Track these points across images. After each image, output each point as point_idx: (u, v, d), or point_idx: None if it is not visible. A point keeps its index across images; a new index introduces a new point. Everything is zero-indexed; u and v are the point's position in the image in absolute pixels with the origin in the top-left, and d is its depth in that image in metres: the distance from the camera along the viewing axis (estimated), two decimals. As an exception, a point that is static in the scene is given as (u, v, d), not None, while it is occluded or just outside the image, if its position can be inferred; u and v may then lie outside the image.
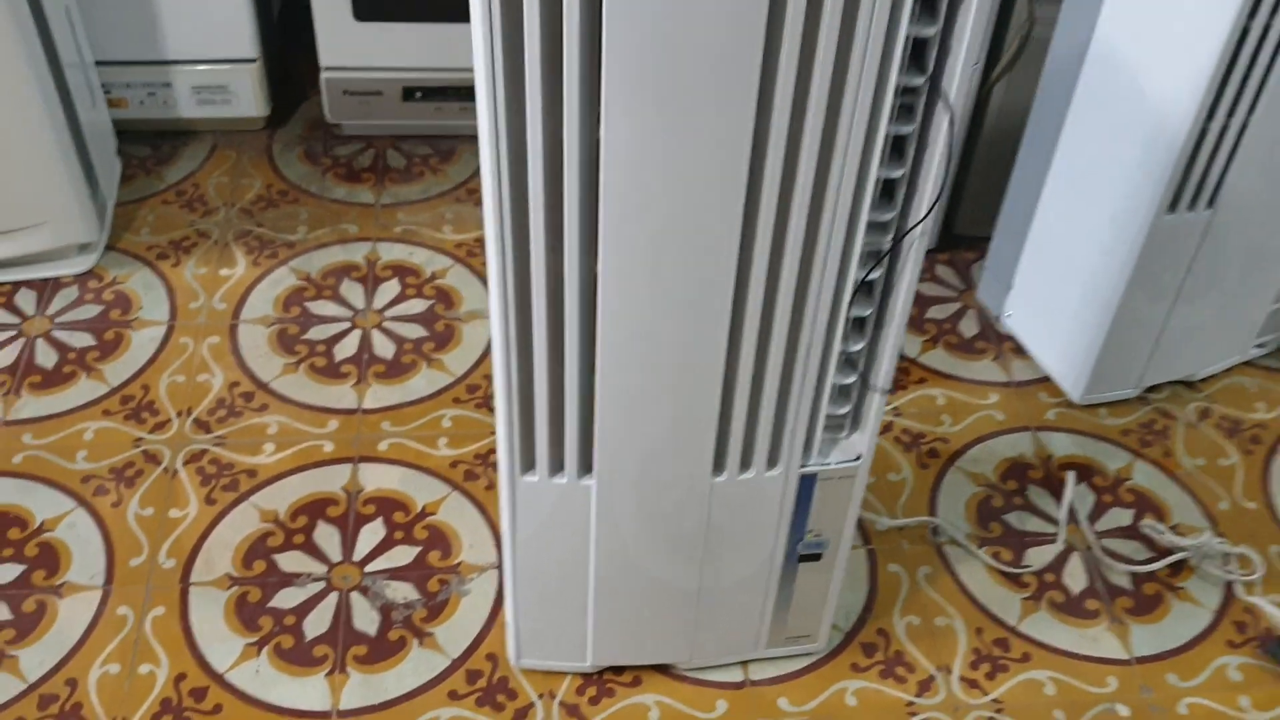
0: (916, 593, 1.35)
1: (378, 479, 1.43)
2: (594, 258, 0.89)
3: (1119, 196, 1.38)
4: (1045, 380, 1.60)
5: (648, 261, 0.89)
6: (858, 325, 0.99)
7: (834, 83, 0.81)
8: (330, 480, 1.42)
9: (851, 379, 1.02)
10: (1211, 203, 1.36)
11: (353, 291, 1.66)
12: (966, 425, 1.54)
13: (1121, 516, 1.44)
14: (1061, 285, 1.52)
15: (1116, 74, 1.34)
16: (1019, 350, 1.64)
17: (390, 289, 1.67)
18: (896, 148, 0.88)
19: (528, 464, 1.04)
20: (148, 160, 1.85)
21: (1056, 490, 1.46)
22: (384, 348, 1.59)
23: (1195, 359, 1.58)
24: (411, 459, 1.45)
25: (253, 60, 1.79)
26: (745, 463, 1.06)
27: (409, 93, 1.82)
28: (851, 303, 0.96)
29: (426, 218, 1.78)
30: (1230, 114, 1.28)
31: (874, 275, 0.95)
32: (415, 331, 1.61)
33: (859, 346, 1.00)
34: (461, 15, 1.74)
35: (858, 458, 1.09)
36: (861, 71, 0.81)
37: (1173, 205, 1.35)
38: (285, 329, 1.60)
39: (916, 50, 0.83)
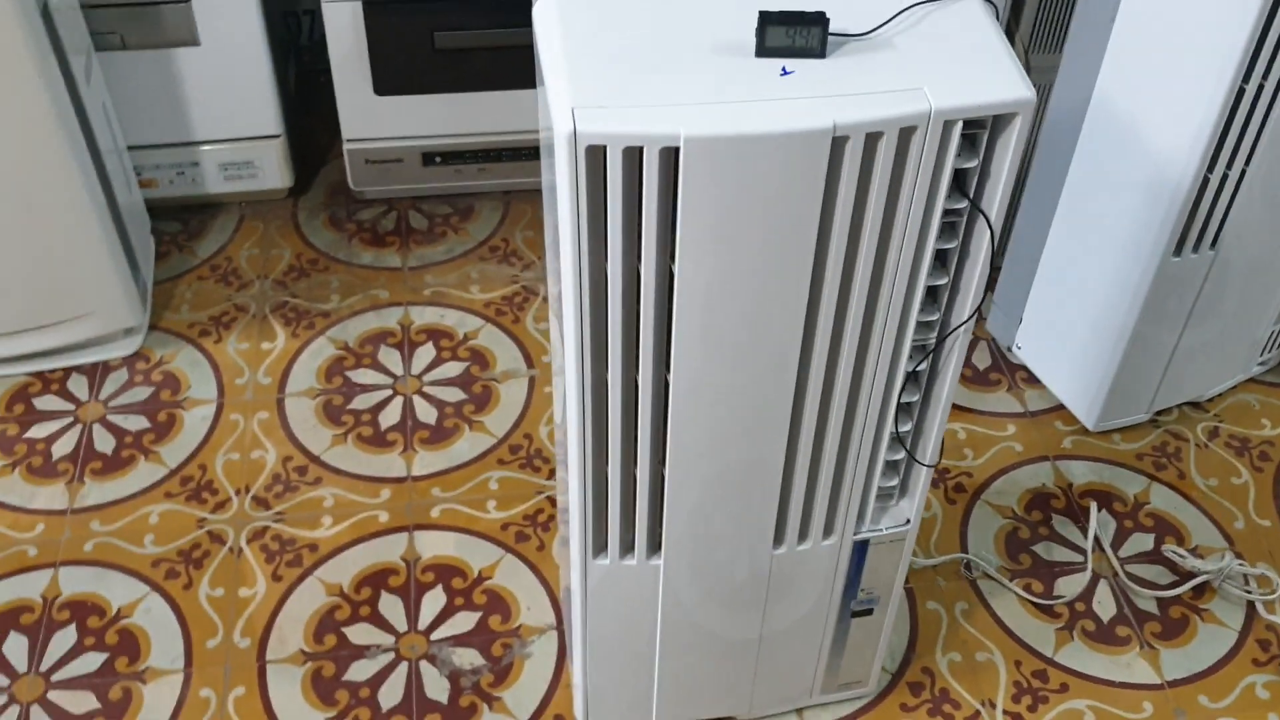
0: (956, 629, 1.42)
1: (434, 546, 1.49)
2: (666, 368, 0.95)
3: (1125, 240, 1.45)
4: (1059, 409, 1.67)
5: (716, 372, 0.95)
6: (905, 409, 1.06)
7: (885, 217, 0.88)
8: (389, 550, 1.49)
9: (900, 455, 1.09)
10: (1214, 244, 1.44)
11: (390, 358, 1.72)
12: (988, 458, 1.61)
13: (1143, 541, 1.52)
14: (1071, 319, 1.59)
15: (1118, 126, 1.41)
16: (1031, 380, 1.71)
17: (426, 353, 1.73)
18: (941, 258, 0.95)
19: (599, 548, 1.10)
20: (179, 236, 1.90)
21: (1079, 518, 1.54)
22: (426, 413, 1.65)
23: (1202, 381, 1.65)
24: (464, 524, 1.52)
25: (276, 136, 1.85)
26: (803, 535, 1.13)
27: (428, 158, 1.88)
28: (901, 391, 1.02)
29: (454, 278, 1.84)
30: (1229, 165, 1.35)
31: (921, 367, 1.02)
32: (454, 395, 1.67)
33: (907, 427, 1.07)
34: (476, 85, 1.80)
35: (907, 522, 1.16)
36: (910, 204, 0.88)
37: (1178, 249, 1.42)
38: (330, 400, 1.66)
39: (959, 176, 0.90)
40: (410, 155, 1.88)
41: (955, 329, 0.99)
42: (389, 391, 1.68)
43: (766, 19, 0.86)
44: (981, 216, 0.92)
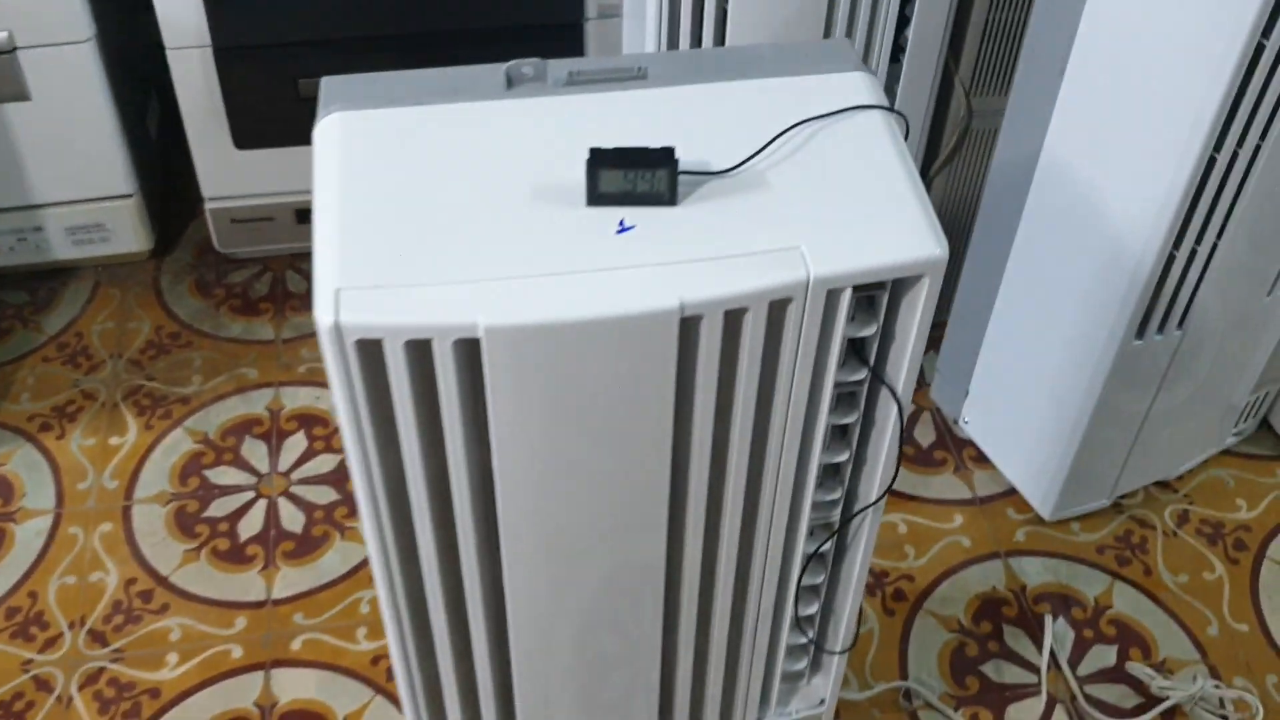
0: (893, 773, 1.24)
1: (293, 687, 1.30)
2: (497, 564, 0.76)
3: (1081, 318, 1.26)
4: (1011, 493, 1.49)
5: (561, 570, 0.76)
6: (811, 589, 0.87)
7: (761, 394, 0.69)
8: (241, 694, 1.29)
9: (806, 640, 0.90)
10: (1181, 323, 1.25)
11: (255, 451, 1.52)
12: (932, 556, 1.43)
13: (1105, 655, 1.34)
14: (1024, 394, 1.41)
15: (1070, 189, 1.22)
16: (980, 458, 1.53)
17: (296, 444, 1.53)
18: (840, 430, 0.76)
19: (447, 755, 0.91)
20: (25, 309, 1.69)
21: (1033, 629, 1.36)
22: (292, 519, 1.45)
23: (1170, 459, 1.47)
24: (328, 658, 1.32)
25: (128, 196, 1.63)
26: (694, 727, 0.94)
27: (302, 214, 1.67)
28: (802, 575, 0.83)
29: (333, 352, 1.63)
30: (1198, 240, 1.16)
31: (825, 547, 0.83)
32: (325, 495, 1.47)
33: (813, 609, 0.88)
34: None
35: (821, 703, 0.97)
36: (793, 379, 0.68)
37: (1140, 331, 1.23)
38: (183, 506, 1.46)
39: (855, 341, 0.70)
40: (282, 212, 1.66)
41: (862, 509, 0.80)
42: (251, 494, 1.47)
43: (598, 159, 0.66)
44: (885, 388, 0.73)
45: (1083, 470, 1.39)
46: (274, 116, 1.57)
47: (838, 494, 0.79)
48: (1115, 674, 1.33)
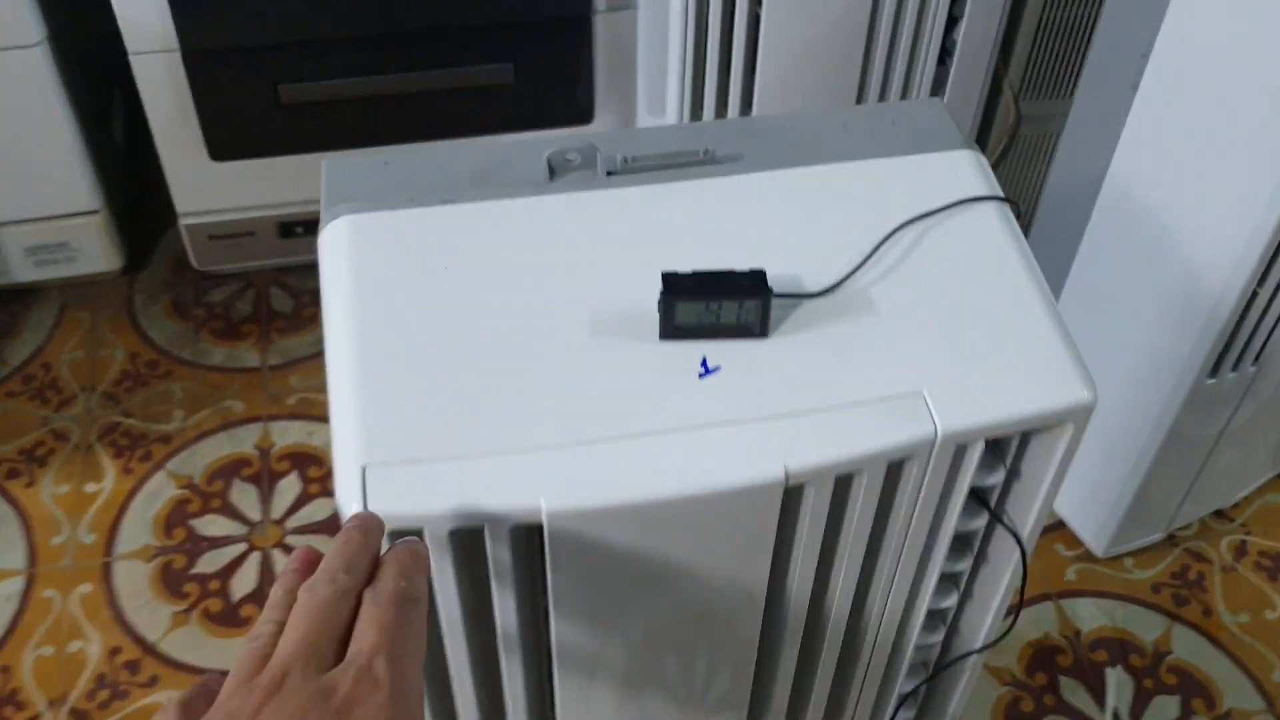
0: None
1: (300, 766, 1.19)
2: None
3: (1148, 354, 1.16)
4: (1060, 527, 1.39)
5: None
6: (894, 723, 0.76)
7: (869, 548, 0.58)
8: (243, 776, 1.18)
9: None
10: (1257, 359, 1.15)
11: (245, 497, 1.40)
12: (977, 597, 1.33)
13: (1167, 708, 1.25)
14: (1072, 422, 1.30)
15: (1140, 216, 1.11)
16: (1024, 484, 1.42)
17: (290, 488, 1.41)
18: (951, 576, 0.65)
19: None
20: (-17, 336, 1.56)
21: (1090, 678, 1.27)
22: (291, 572, 1.33)
23: (1228, 489, 1.38)
24: (338, 731, 1.21)
25: (94, 212, 1.50)
26: None
27: (286, 228, 1.54)
28: (894, 716, 0.73)
29: (323, 380, 1.51)
30: (1286, 275, 1.05)
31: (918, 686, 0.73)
32: (325, 546, 1.36)
33: (896, 741, 0.78)
34: (335, 142, 1.46)
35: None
36: (905, 535, 0.58)
37: (1214, 370, 1.13)
38: (170, 562, 1.34)
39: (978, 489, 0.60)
40: (264, 227, 1.53)
41: (961, 657, 0.69)
42: (243, 546, 1.36)
43: (675, 288, 0.54)
44: (1009, 533, 0.62)
45: (1141, 505, 1.29)
46: (252, 125, 1.44)
47: (939, 636, 0.69)
48: (1180, 729, 1.24)
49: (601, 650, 0.59)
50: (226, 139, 1.44)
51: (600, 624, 0.57)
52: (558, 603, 0.55)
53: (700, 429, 0.52)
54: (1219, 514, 1.41)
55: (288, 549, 1.35)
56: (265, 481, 1.41)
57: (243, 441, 1.45)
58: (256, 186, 1.49)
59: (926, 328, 0.55)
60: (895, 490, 0.55)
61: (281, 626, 0.45)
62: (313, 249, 1.60)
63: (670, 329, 0.54)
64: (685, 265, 0.56)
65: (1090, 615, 1.32)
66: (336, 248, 0.59)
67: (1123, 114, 1.09)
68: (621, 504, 0.50)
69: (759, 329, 0.55)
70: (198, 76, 1.38)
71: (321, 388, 1.50)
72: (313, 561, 0.49)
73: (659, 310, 0.54)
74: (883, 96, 1.19)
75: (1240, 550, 1.38)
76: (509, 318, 0.56)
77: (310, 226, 1.54)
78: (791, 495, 0.53)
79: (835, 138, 0.64)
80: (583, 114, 1.49)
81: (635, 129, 0.60)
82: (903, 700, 0.71)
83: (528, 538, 0.54)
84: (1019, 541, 0.61)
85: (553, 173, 0.62)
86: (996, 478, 0.57)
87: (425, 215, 0.60)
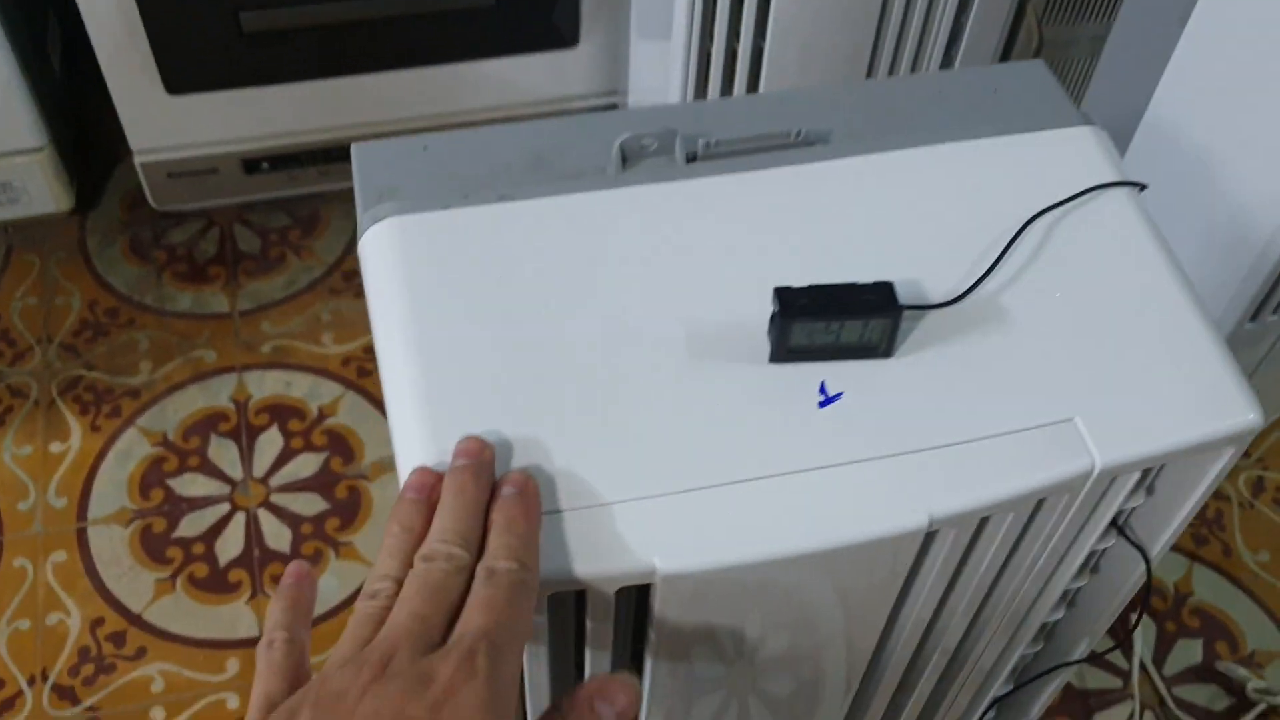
0: (977, 805, 1.13)
1: (303, 743, 1.14)
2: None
3: (1182, 296, 1.10)
4: (1074, 464, 1.35)
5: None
6: (973, 726, 0.72)
7: (994, 581, 0.52)
8: (243, 755, 1.13)
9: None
10: (1298, 300, 1.10)
11: (225, 453, 1.32)
12: (993, 540, 1.30)
13: (1191, 650, 1.23)
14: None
15: (1182, 157, 1.05)
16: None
17: (271, 443, 1.33)
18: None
19: None
20: (-75, 285, 1.44)
21: (1114, 625, 1.24)
22: (277, 535, 1.27)
23: (1244, 422, 1.35)
24: (340, 704, 1.16)
25: (38, 149, 1.38)
26: None
27: (250, 164, 1.43)
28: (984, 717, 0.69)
29: (299, 324, 1.43)
30: (1339, 216, 1.00)
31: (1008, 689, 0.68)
32: (312, 505, 1.29)
33: (972, 742, 0.74)
34: (302, 73, 1.36)
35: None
36: (1040, 559, 0.52)
37: (1255, 314, 1.08)
38: (149, 525, 1.27)
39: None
40: (227, 164, 1.43)
41: (1061, 666, 0.65)
42: (226, 506, 1.28)
43: (788, 306, 0.47)
44: (1137, 550, 0.56)
45: (1159, 444, 1.26)
46: (211, 56, 1.32)
47: (1040, 646, 0.64)
48: (1204, 673, 1.22)
49: (695, 699, 0.53)
50: (183, 71, 1.33)
51: (698, 676, 0.51)
52: (656, 657, 0.49)
53: (826, 469, 0.45)
54: (1234, 448, 1.38)
55: (273, 509, 1.28)
56: (244, 437, 1.33)
57: (217, 394, 1.37)
58: (217, 121, 1.38)
59: (1069, 341, 0.49)
60: (1033, 521, 0.49)
61: (398, 583, 0.44)
62: (278, 185, 1.50)
63: (783, 352, 0.48)
64: (787, 269, 0.49)
65: (1109, 557, 1.29)
66: (383, 256, 0.51)
67: (1167, 51, 1.02)
68: (744, 563, 0.44)
69: (883, 349, 0.48)
70: (150, 3, 1.26)
71: (297, 334, 1.42)
72: (429, 486, 0.46)
73: (770, 331, 0.47)
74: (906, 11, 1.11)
75: (1258, 487, 1.35)
76: (591, 337, 0.48)
77: (277, 163, 1.44)
78: (927, 538, 0.47)
79: (932, 111, 0.57)
80: (566, 37, 1.39)
81: (709, 103, 0.52)
82: (994, 703, 0.67)
83: (630, 595, 0.47)
84: (1147, 560, 0.56)
85: (625, 161, 0.54)
86: (1137, 501, 0.52)
87: (482, 214, 0.52)
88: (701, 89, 1.15)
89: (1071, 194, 0.53)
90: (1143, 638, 1.22)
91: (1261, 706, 1.18)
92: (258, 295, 1.46)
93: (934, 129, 0.56)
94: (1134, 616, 1.17)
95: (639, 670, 0.52)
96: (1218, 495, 1.34)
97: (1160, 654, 1.23)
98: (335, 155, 1.45)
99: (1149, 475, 0.52)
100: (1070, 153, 0.55)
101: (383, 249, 0.51)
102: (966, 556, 0.50)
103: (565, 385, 0.47)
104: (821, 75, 1.11)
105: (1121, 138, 1.10)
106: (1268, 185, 0.98)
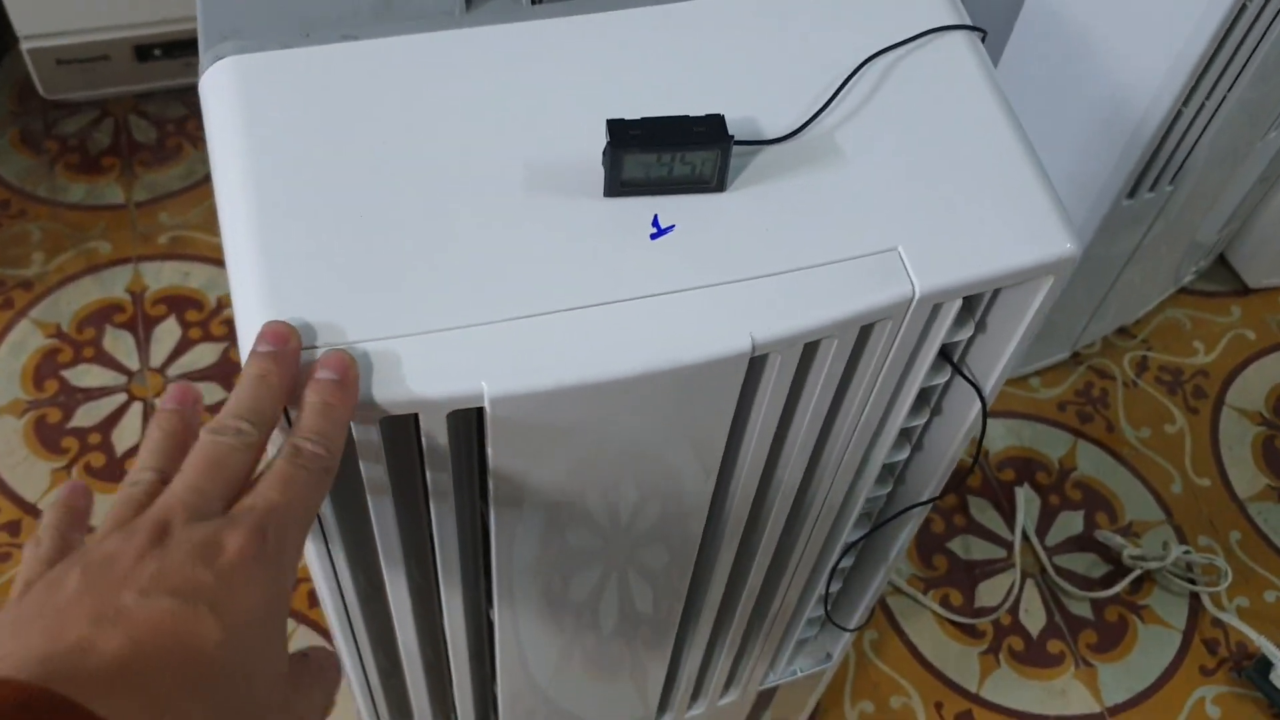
0: (866, 669, 1.17)
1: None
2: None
3: (1067, 176, 1.13)
4: (967, 347, 1.39)
5: (563, 582, 0.62)
6: (838, 572, 0.75)
7: (829, 413, 0.54)
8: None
9: (819, 613, 0.79)
10: (1174, 179, 1.13)
11: (121, 345, 1.31)
12: (887, 421, 1.33)
13: (1072, 522, 1.28)
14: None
15: (1063, 40, 1.06)
16: (932, 306, 1.41)
17: (168, 333, 1.32)
18: (905, 432, 0.62)
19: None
20: None
21: (999, 498, 1.28)
22: (178, 424, 1.26)
23: (1131, 305, 1.38)
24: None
25: (-80, 34, 1.34)
26: (694, 700, 0.83)
27: (143, 51, 1.40)
28: (838, 563, 0.71)
29: (197, 215, 1.41)
30: (1210, 94, 1.03)
31: (860, 535, 0.70)
32: (211, 394, 1.29)
33: (835, 588, 0.76)
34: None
35: (828, 657, 0.87)
36: (868, 397, 0.54)
37: (1133, 191, 1.11)
38: (43, 416, 1.26)
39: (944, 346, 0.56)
40: (118, 50, 1.40)
41: (909, 508, 0.67)
42: (123, 396, 1.28)
43: (621, 137, 0.48)
44: (971, 386, 0.58)
45: (1048, 325, 1.29)
46: (96, -65, 1.29)
47: (887, 489, 0.66)
48: (1083, 542, 1.27)
49: (542, 531, 0.55)
50: (67, -51, 1.29)
51: (541, 505, 0.53)
52: (497, 485, 0.50)
53: (655, 297, 0.47)
54: (1122, 331, 1.42)
55: (172, 400, 1.27)
56: (141, 328, 1.32)
57: (112, 285, 1.35)
58: (107, 5, 1.35)
59: (897, 176, 0.50)
60: (862, 351, 0.51)
61: (162, 474, 0.41)
62: (173, 73, 1.47)
63: (616, 185, 0.48)
64: (628, 109, 0.50)
65: (999, 435, 1.33)
66: (222, 95, 0.51)
67: (1050, -78, 1.03)
68: (570, 385, 0.45)
69: (715, 183, 0.49)
70: (28, -124, 1.23)
71: (196, 224, 1.40)
72: (189, 399, 0.44)
73: (604, 164, 0.48)
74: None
75: (1142, 365, 1.40)
76: (430, 174, 0.49)
77: (170, 49, 1.41)
78: (755, 364, 0.48)
79: (781, -45, 0.57)
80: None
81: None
82: (846, 550, 0.70)
83: (464, 421, 0.48)
84: (981, 396, 0.58)
85: (470, 2, 0.54)
86: (965, 333, 0.54)
87: (324, 54, 0.52)
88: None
89: (909, 36, 0.54)
90: (1025, 509, 1.27)
91: (1136, 572, 1.23)
92: (154, 186, 1.43)
93: (779, -25, 0.56)
94: (1016, 490, 1.21)
95: (486, 532, 0.53)
96: (1103, 374, 1.38)
97: (1043, 526, 1.28)
98: (230, 42, 1.42)
99: (977, 307, 0.54)
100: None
101: (221, 90, 0.51)
102: (799, 387, 0.51)
103: (406, 218, 0.48)
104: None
105: (1008, 18, 1.11)
106: (1142, 63, 1.00)
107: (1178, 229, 1.28)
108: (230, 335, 1.33)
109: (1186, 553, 1.24)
